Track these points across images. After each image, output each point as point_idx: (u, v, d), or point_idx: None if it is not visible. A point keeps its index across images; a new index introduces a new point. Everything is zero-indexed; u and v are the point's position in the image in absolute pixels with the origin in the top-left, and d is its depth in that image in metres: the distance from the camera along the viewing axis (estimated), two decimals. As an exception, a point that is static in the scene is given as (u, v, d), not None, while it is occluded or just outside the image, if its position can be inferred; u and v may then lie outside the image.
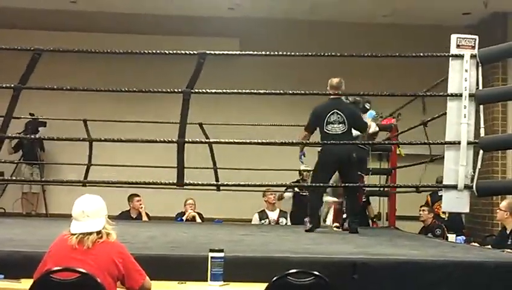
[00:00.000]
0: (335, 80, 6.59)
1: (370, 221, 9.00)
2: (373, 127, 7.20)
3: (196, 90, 5.19)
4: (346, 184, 6.46)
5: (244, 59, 10.08)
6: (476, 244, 7.32)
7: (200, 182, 5.65)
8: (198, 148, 7.70)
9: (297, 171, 9.26)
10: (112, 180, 5.97)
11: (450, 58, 5.20)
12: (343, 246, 5.31)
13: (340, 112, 6.48)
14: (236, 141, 5.56)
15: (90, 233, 3.42)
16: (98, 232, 3.44)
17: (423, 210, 8.61)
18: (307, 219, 6.97)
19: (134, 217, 8.82)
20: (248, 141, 5.63)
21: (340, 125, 6.47)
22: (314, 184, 6.72)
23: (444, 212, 8.50)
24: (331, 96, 6.58)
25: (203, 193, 8.37)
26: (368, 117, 7.06)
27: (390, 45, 9.43)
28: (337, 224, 7.25)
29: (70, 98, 9.89)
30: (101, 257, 3.40)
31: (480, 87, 5.15)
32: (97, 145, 8.51)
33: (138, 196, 8.83)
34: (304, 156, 6.77)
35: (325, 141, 6.37)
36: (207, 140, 7.94)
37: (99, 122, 8.86)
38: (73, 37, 9.98)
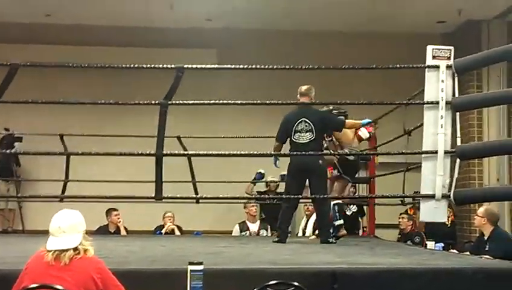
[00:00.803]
0: (304, 87, 6.60)
1: (361, 230, 9.04)
2: (365, 133, 7.22)
3: (173, 102, 5.17)
4: (315, 195, 6.39)
5: (221, 70, 10.07)
6: (454, 251, 7.37)
7: (178, 195, 5.62)
8: (176, 161, 7.65)
9: (264, 183, 9.39)
10: (89, 195, 5.90)
11: (426, 69, 5.21)
12: (323, 256, 5.31)
13: (308, 120, 6.47)
14: (214, 153, 5.55)
15: (67, 250, 3.37)
16: (75, 249, 3.39)
17: (402, 218, 8.67)
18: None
19: (112, 231, 8.74)
20: (227, 153, 5.62)
21: (308, 133, 6.46)
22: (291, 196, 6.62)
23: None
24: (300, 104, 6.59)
25: (181, 205, 8.33)
26: (363, 124, 7.04)
27: (368, 53, 9.51)
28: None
29: (46, 113, 9.81)
30: (79, 273, 3.35)
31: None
32: (75, 161, 8.43)
33: (116, 210, 8.76)
34: (278, 160, 6.71)
35: (294, 150, 6.38)
36: (186, 152, 7.90)
37: (76, 137, 8.78)
38: (49, 50, 9.92)
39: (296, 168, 6.45)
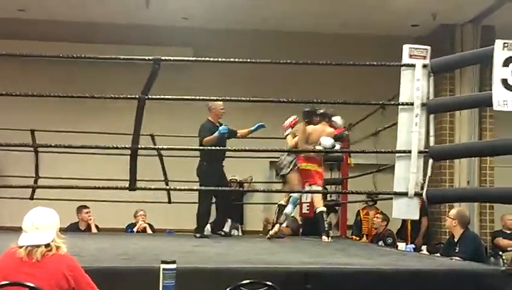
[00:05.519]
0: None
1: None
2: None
3: (151, 96, 5.16)
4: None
5: (198, 69, 10.05)
6: (425, 252, 7.44)
7: (152, 187, 5.62)
8: (149, 160, 7.62)
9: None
10: (61, 185, 5.84)
11: (402, 67, 5.25)
12: (296, 256, 5.32)
13: None
14: (187, 147, 5.56)
15: (38, 246, 3.34)
16: (47, 245, 3.36)
17: (377, 217, 8.69)
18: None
19: (83, 229, 8.64)
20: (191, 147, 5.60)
21: None
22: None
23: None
24: None
25: (154, 204, 8.29)
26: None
27: (344, 55, 9.52)
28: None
29: (19, 109, 9.68)
30: (51, 270, 3.32)
31: (431, 97, 5.22)
32: (48, 161, 8.31)
33: (87, 207, 8.66)
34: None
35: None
36: (160, 147, 7.88)
37: (50, 136, 8.65)
38: (23, 46, 9.73)
39: None
